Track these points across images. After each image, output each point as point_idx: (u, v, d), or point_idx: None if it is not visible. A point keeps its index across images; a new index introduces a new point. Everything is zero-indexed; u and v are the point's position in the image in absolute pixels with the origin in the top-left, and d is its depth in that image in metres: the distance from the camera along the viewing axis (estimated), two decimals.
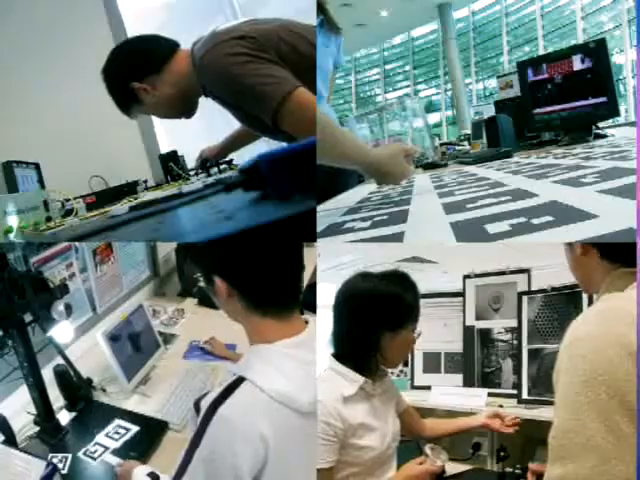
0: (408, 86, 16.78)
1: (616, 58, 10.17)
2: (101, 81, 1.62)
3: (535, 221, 0.71)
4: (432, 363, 2.07)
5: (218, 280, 0.86)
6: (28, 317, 1.27)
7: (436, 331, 2.09)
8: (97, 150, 2.52)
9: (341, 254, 2.10)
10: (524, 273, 1.92)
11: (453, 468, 1.40)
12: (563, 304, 1.70)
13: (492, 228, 0.73)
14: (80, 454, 1.33)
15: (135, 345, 1.72)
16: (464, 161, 2.45)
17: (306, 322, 0.92)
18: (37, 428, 1.37)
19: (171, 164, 2.37)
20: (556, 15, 12.94)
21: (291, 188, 0.76)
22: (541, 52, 12.15)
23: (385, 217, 1.09)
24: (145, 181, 2.38)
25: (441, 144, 4.24)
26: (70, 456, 1.30)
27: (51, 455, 1.28)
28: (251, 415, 0.79)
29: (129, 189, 2.18)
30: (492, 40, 14.64)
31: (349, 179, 2.19)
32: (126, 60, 1.59)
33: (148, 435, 1.41)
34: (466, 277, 2.06)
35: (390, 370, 1.28)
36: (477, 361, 1.94)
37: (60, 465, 1.24)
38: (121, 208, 1.36)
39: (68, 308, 1.30)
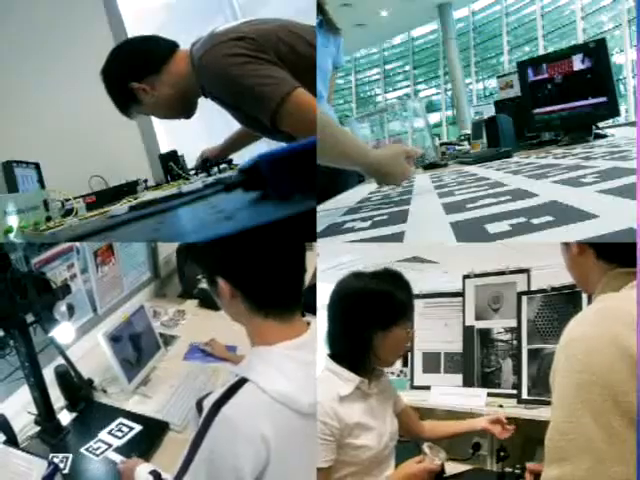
0: (408, 86, 16.78)
1: (616, 58, 10.17)
2: (101, 81, 1.62)
3: (535, 221, 0.71)
4: (432, 363, 2.07)
5: (221, 281, 0.86)
6: (30, 317, 1.27)
7: (436, 331, 2.09)
8: (97, 150, 2.52)
9: (341, 254, 2.10)
10: (524, 273, 1.92)
11: (453, 468, 1.40)
12: (563, 304, 1.70)
13: (492, 228, 0.73)
14: (82, 450, 1.33)
15: (136, 346, 1.72)
16: (464, 161, 2.45)
17: (308, 324, 0.92)
18: (38, 428, 1.37)
19: (171, 164, 2.37)
20: (556, 15, 12.94)
21: (291, 188, 0.76)
22: (541, 52, 12.15)
23: (385, 217, 1.09)
24: (145, 181, 2.38)
25: (441, 144, 4.23)
26: (71, 456, 1.30)
27: (52, 455, 1.28)
28: (253, 416, 0.79)
29: (129, 189, 2.18)
30: (492, 40, 14.64)
31: (349, 179, 2.19)
32: (125, 60, 1.59)
33: (149, 435, 1.41)
34: (466, 277, 2.06)
35: (389, 370, 1.28)
36: (477, 361, 1.94)
37: (61, 465, 1.25)
38: (121, 208, 1.36)
39: (70, 309, 1.30)
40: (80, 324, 1.74)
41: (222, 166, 2.22)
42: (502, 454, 1.41)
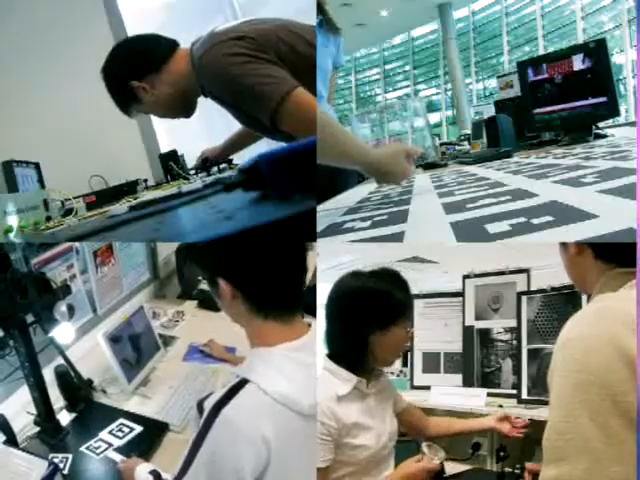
0: (408, 86, 16.78)
1: (616, 58, 10.17)
2: (101, 81, 1.62)
3: (535, 221, 0.71)
4: (432, 363, 2.08)
5: (222, 282, 0.86)
6: (30, 317, 1.27)
7: (436, 331, 2.09)
8: (97, 150, 2.52)
9: (341, 254, 2.10)
10: (523, 273, 1.92)
11: (453, 468, 1.40)
12: (562, 304, 1.70)
13: (492, 228, 0.73)
14: (83, 448, 1.34)
15: (136, 346, 1.72)
16: (464, 161, 2.45)
17: (309, 325, 0.92)
18: (37, 428, 1.37)
19: (171, 163, 2.37)
20: (556, 15, 12.94)
21: (291, 188, 0.76)
22: (541, 52, 12.14)
23: (385, 217, 1.09)
24: (145, 180, 2.37)
25: (441, 144, 4.24)
26: (71, 456, 1.30)
27: (51, 455, 1.28)
28: (254, 417, 0.79)
29: (129, 189, 2.18)
30: (492, 40, 14.64)
31: (349, 179, 2.19)
32: (126, 59, 1.59)
33: (148, 436, 1.41)
34: (465, 277, 2.06)
35: (389, 370, 1.28)
36: (477, 361, 1.94)
37: (61, 465, 1.24)
38: (121, 208, 1.36)
39: (71, 309, 1.30)
40: (80, 324, 1.74)
41: (222, 166, 2.23)
42: (502, 454, 1.41)
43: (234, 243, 0.61)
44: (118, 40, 1.88)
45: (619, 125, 3.10)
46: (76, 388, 1.52)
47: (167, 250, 2.48)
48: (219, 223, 0.72)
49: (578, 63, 2.33)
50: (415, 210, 1.11)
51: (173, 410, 1.52)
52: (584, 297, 1.60)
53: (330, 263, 2.07)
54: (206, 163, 2.20)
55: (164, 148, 2.93)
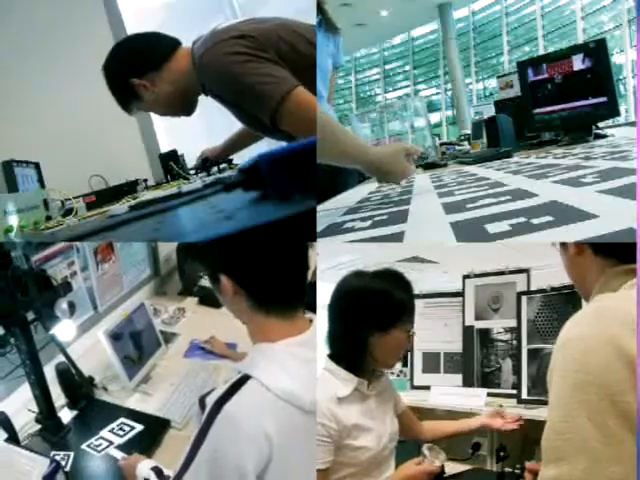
0: (408, 86, 16.78)
1: (616, 58, 10.17)
2: (101, 81, 1.62)
3: (535, 221, 0.71)
4: (431, 363, 2.07)
5: (224, 278, 0.86)
6: (31, 315, 1.27)
7: (436, 331, 2.09)
8: (97, 149, 2.52)
9: (341, 254, 2.09)
10: (523, 273, 1.92)
11: (452, 468, 1.40)
12: (562, 304, 1.70)
13: (492, 228, 0.73)
14: (84, 446, 1.34)
15: (137, 344, 1.72)
16: (464, 161, 2.45)
17: (310, 321, 0.92)
18: (39, 426, 1.37)
19: (171, 163, 2.37)
20: (556, 15, 12.94)
21: (291, 188, 0.76)
22: (541, 52, 12.14)
23: (385, 217, 1.09)
24: (145, 180, 2.38)
25: (441, 144, 4.24)
26: (72, 454, 1.31)
27: (53, 453, 1.28)
28: (257, 414, 0.79)
29: (129, 188, 2.18)
30: (492, 40, 14.64)
31: (349, 179, 2.19)
32: (127, 56, 1.59)
33: (150, 433, 1.41)
34: (465, 277, 2.06)
35: (388, 370, 1.27)
36: (477, 361, 1.94)
37: (62, 463, 1.24)
38: (120, 208, 1.36)
39: (72, 306, 1.30)
40: (81, 322, 1.74)
41: (222, 166, 2.23)
42: (502, 454, 1.41)
43: (235, 240, 0.61)
44: (118, 40, 1.88)
45: (619, 125, 3.10)
46: (77, 386, 1.52)
47: (168, 247, 2.48)
48: (219, 223, 0.72)
49: (578, 63, 2.33)
50: (415, 210, 1.11)
51: (174, 407, 1.52)
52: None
53: (330, 263, 2.07)
54: (206, 163, 2.20)
55: (164, 148, 2.94)
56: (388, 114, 2.57)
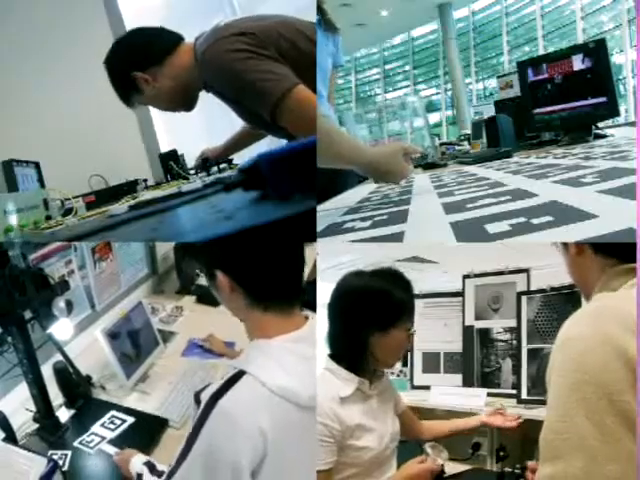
0: (408, 86, 16.77)
1: (616, 58, 10.17)
2: (101, 81, 1.62)
3: (535, 221, 0.71)
4: (431, 363, 2.08)
5: (220, 275, 0.86)
6: (28, 314, 1.27)
7: (436, 331, 2.09)
8: (97, 149, 2.52)
9: (341, 254, 2.09)
10: (523, 273, 1.92)
11: (453, 468, 1.40)
12: (562, 304, 1.70)
13: (492, 228, 0.73)
14: (76, 443, 1.34)
15: (134, 342, 1.71)
16: (464, 161, 2.45)
17: (306, 318, 0.92)
18: (36, 425, 1.37)
19: (171, 163, 2.37)
20: (556, 15, 12.93)
21: (291, 188, 0.76)
22: (541, 52, 12.14)
23: (385, 217, 1.09)
24: (145, 180, 2.38)
25: (441, 144, 4.24)
26: (70, 453, 1.31)
27: (51, 452, 1.28)
28: (252, 409, 0.79)
29: (129, 188, 2.18)
30: (492, 40, 14.63)
31: (349, 179, 2.19)
32: (129, 50, 1.60)
33: (148, 432, 1.41)
34: (465, 277, 2.06)
35: (389, 370, 1.27)
36: (476, 361, 1.94)
37: (60, 462, 1.25)
38: (120, 207, 1.36)
39: (69, 305, 1.30)
40: (78, 320, 1.74)
41: (222, 166, 2.23)
42: (502, 454, 1.41)
43: (232, 237, 0.61)
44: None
45: (619, 125, 3.09)
46: (75, 384, 1.52)
47: (165, 246, 2.49)
48: (219, 223, 0.72)
49: (578, 63, 2.33)
50: (415, 210, 1.11)
51: (172, 406, 1.52)
52: (583, 297, 1.60)
53: (330, 263, 2.07)
54: (206, 163, 2.20)
55: (164, 148, 2.93)
56: (387, 114, 2.56)
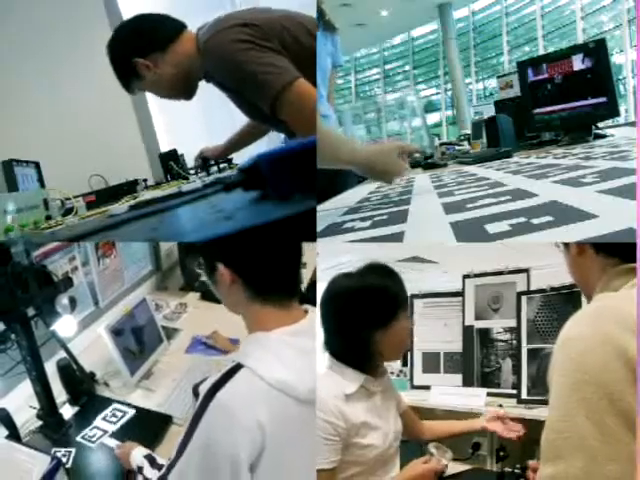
0: (408, 86, 16.75)
1: (616, 58, 10.17)
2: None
3: (535, 221, 0.71)
4: (431, 363, 2.08)
5: (222, 267, 0.86)
6: (31, 311, 1.26)
7: (435, 331, 2.09)
8: (97, 149, 2.52)
9: (341, 254, 2.09)
10: (523, 273, 1.92)
11: (453, 468, 1.40)
12: (562, 304, 1.70)
13: (492, 228, 0.73)
14: (79, 438, 1.34)
15: (138, 339, 1.71)
16: (464, 161, 2.45)
17: (305, 311, 0.92)
18: (40, 423, 1.37)
19: (171, 163, 2.37)
20: (556, 15, 12.93)
21: (291, 188, 0.76)
22: (541, 52, 12.14)
23: (385, 217, 1.09)
24: (145, 180, 2.38)
25: (441, 144, 4.24)
26: (74, 450, 1.31)
27: (54, 450, 1.28)
28: (249, 402, 0.79)
29: (129, 188, 2.18)
30: (492, 40, 14.63)
31: (348, 179, 2.19)
32: (132, 36, 1.59)
33: (151, 428, 1.41)
34: (465, 277, 2.06)
35: (389, 369, 1.27)
36: (476, 361, 1.94)
37: (64, 459, 1.25)
38: (120, 207, 1.36)
39: (72, 301, 1.30)
40: (82, 317, 1.74)
41: (222, 165, 2.23)
42: (502, 454, 1.41)
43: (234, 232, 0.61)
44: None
45: (619, 125, 3.10)
46: (78, 381, 1.52)
47: (169, 242, 2.48)
48: (219, 223, 0.72)
49: (578, 63, 2.33)
50: (415, 210, 1.11)
51: (176, 403, 1.52)
52: (584, 297, 1.60)
53: (330, 263, 2.07)
54: (206, 162, 2.20)
55: (164, 148, 2.94)
56: (386, 114, 2.56)
